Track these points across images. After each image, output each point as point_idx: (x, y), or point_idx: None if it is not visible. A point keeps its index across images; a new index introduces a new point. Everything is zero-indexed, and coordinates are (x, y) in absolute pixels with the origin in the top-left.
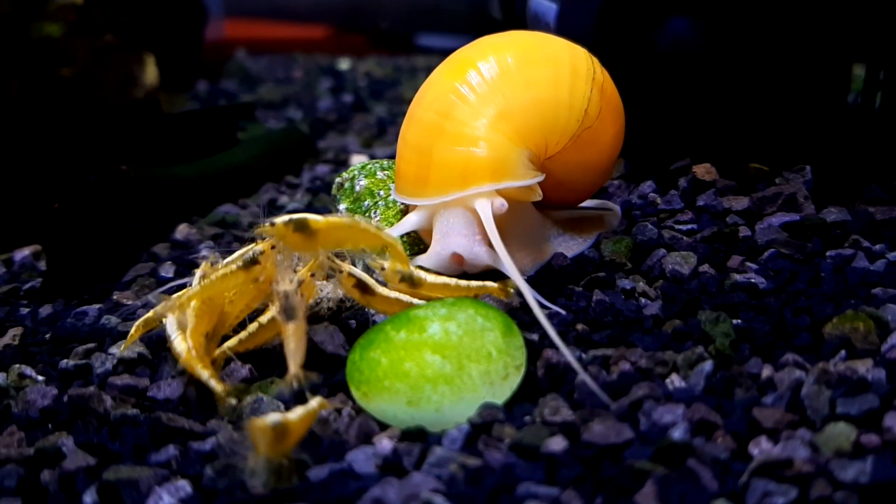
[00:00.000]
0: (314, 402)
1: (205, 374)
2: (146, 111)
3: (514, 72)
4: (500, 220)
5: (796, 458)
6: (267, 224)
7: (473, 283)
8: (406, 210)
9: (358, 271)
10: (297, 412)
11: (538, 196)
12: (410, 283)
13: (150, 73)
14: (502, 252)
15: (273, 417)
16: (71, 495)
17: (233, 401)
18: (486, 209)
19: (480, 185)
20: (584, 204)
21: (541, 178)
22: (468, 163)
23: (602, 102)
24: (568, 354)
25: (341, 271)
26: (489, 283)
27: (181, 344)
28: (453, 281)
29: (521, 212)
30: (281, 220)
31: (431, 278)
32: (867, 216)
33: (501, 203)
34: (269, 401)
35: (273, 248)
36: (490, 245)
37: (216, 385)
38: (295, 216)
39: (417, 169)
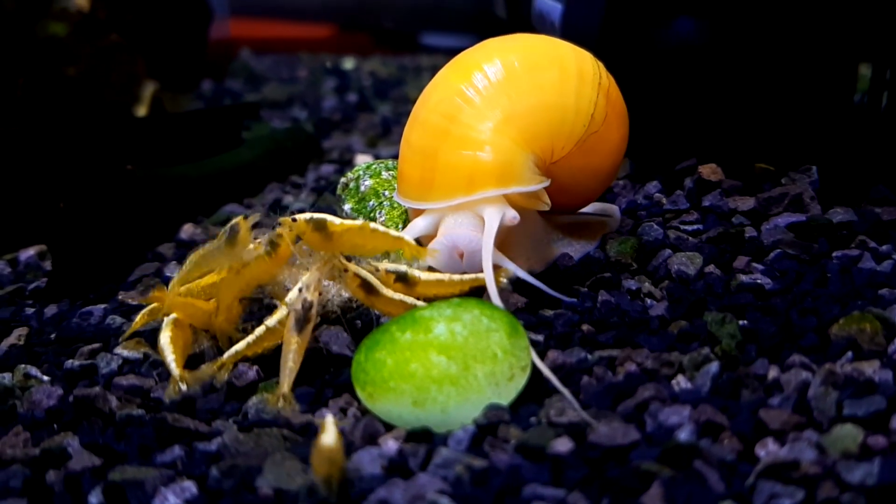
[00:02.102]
0: (330, 417)
1: (170, 356)
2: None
3: (520, 75)
4: (505, 227)
5: (803, 459)
6: (290, 218)
7: (466, 276)
8: (409, 212)
9: (363, 272)
10: (331, 430)
11: (546, 205)
12: (405, 282)
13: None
14: (487, 265)
15: (328, 440)
16: (76, 496)
17: (183, 386)
18: (494, 218)
19: (487, 190)
20: (584, 209)
21: (547, 183)
22: (474, 167)
23: (608, 107)
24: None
25: (346, 271)
26: (481, 275)
27: (164, 335)
28: (446, 276)
29: (525, 217)
30: (302, 217)
31: (426, 276)
32: (874, 217)
33: (514, 216)
34: (273, 400)
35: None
36: (496, 247)
37: (175, 369)
38: (316, 216)
39: (422, 172)
